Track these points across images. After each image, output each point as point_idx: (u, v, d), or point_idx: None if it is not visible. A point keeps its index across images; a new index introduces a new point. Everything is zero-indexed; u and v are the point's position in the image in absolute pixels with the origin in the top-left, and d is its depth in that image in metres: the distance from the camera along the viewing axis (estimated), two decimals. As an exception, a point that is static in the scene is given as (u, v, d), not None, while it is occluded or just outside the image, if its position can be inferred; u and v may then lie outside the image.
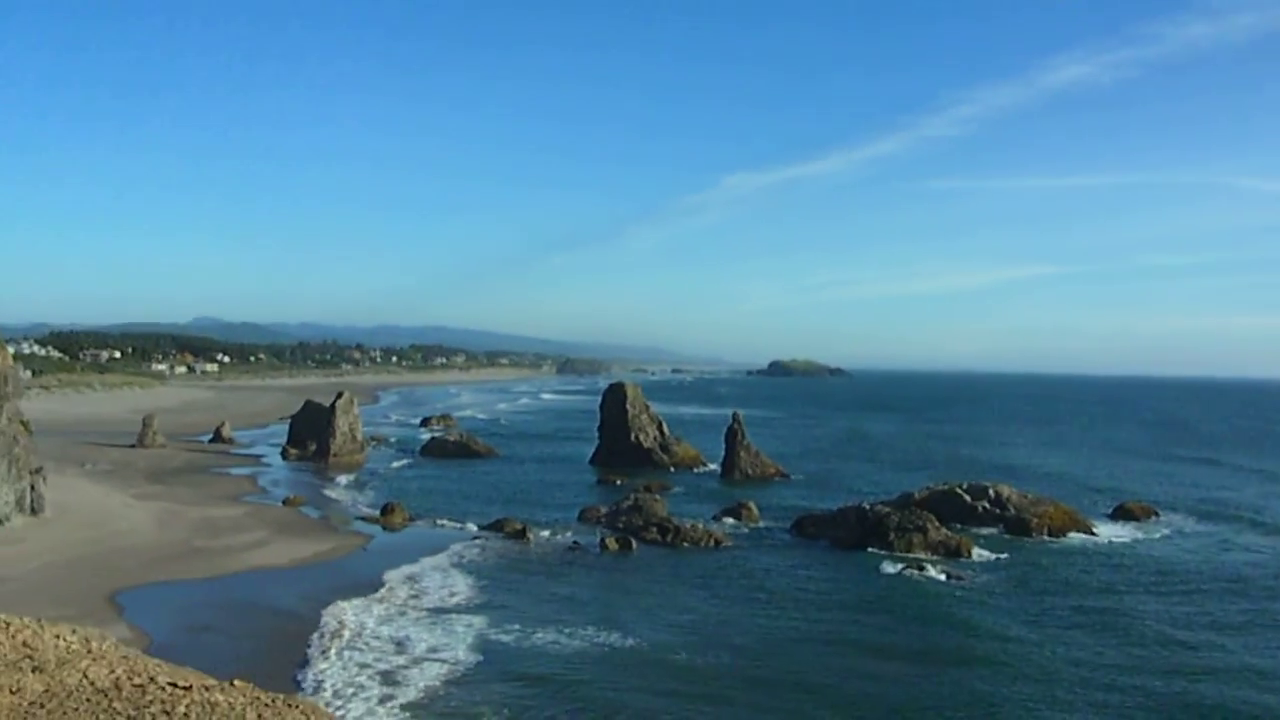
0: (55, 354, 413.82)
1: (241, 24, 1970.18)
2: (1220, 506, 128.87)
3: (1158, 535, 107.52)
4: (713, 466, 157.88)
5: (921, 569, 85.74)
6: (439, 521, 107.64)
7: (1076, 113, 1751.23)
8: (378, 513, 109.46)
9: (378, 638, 62.76)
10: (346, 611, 68.47)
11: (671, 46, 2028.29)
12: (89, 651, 18.23)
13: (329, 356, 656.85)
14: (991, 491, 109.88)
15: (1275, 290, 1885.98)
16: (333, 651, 59.64)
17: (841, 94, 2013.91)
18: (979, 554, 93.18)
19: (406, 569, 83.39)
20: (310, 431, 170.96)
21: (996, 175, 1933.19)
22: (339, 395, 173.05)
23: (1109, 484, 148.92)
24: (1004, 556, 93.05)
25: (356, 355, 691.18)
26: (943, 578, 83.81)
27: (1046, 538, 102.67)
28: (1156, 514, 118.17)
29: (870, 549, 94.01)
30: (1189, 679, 58.37)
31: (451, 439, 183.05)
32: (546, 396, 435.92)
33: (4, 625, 18.47)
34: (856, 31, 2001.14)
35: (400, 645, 61.31)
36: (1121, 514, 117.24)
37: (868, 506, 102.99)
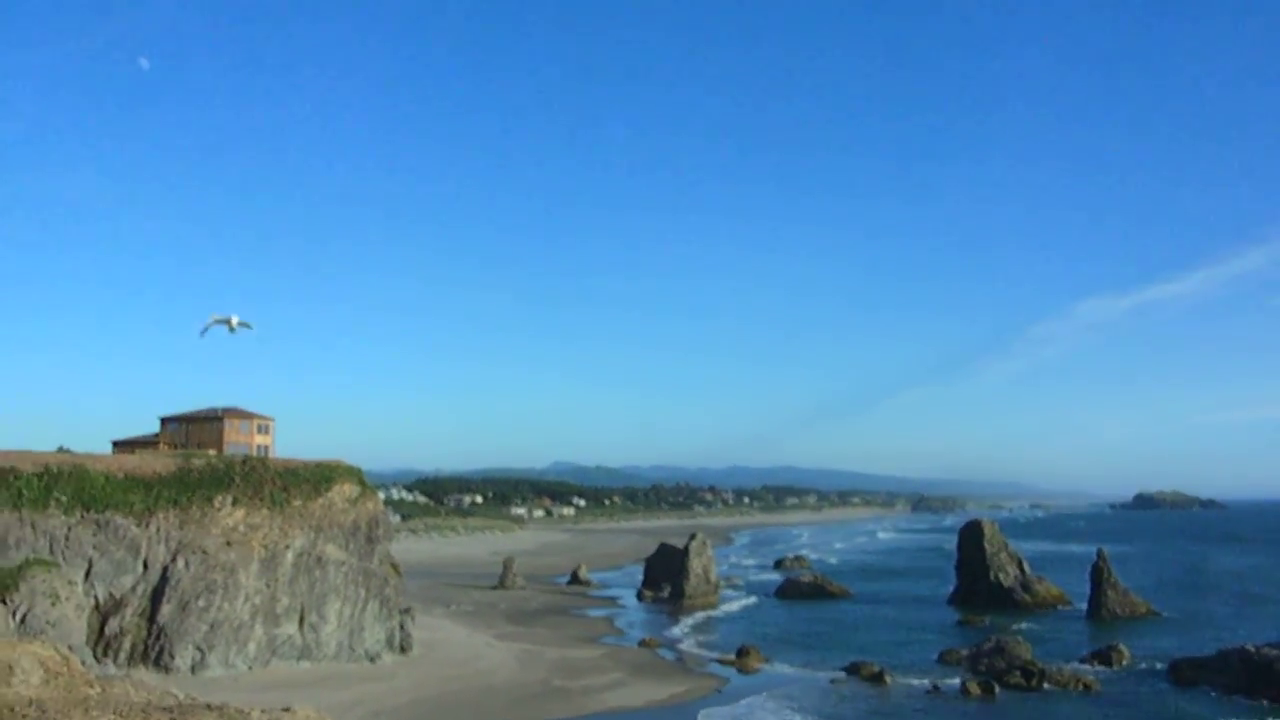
0: (422, 498, 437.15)
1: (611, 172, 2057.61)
2: None
3: None
4: (1078, 605, 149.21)
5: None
6: (794, 664, 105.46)
7: None
8: (732, 655, 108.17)
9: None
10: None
11: (1006, 194, 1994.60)
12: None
13: (682, 498, 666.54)
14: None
15: None
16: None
17: (1197, 208, 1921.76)
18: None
19: (762, 714, 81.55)
20: (664, 573, 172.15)
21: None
22: (692, 537, 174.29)
23: None
24: None
25: (709, 496, 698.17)
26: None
27: None
28: None
29: (1260, 696, 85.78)
30: None
31: (805, 580, 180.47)
32: (884, 535, 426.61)
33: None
34: (1207, 142, 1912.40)
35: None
36: None
37: (1253, 649, 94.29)
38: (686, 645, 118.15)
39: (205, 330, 47.60)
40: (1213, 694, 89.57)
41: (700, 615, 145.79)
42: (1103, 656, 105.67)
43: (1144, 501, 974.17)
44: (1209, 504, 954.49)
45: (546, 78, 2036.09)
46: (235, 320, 49.45)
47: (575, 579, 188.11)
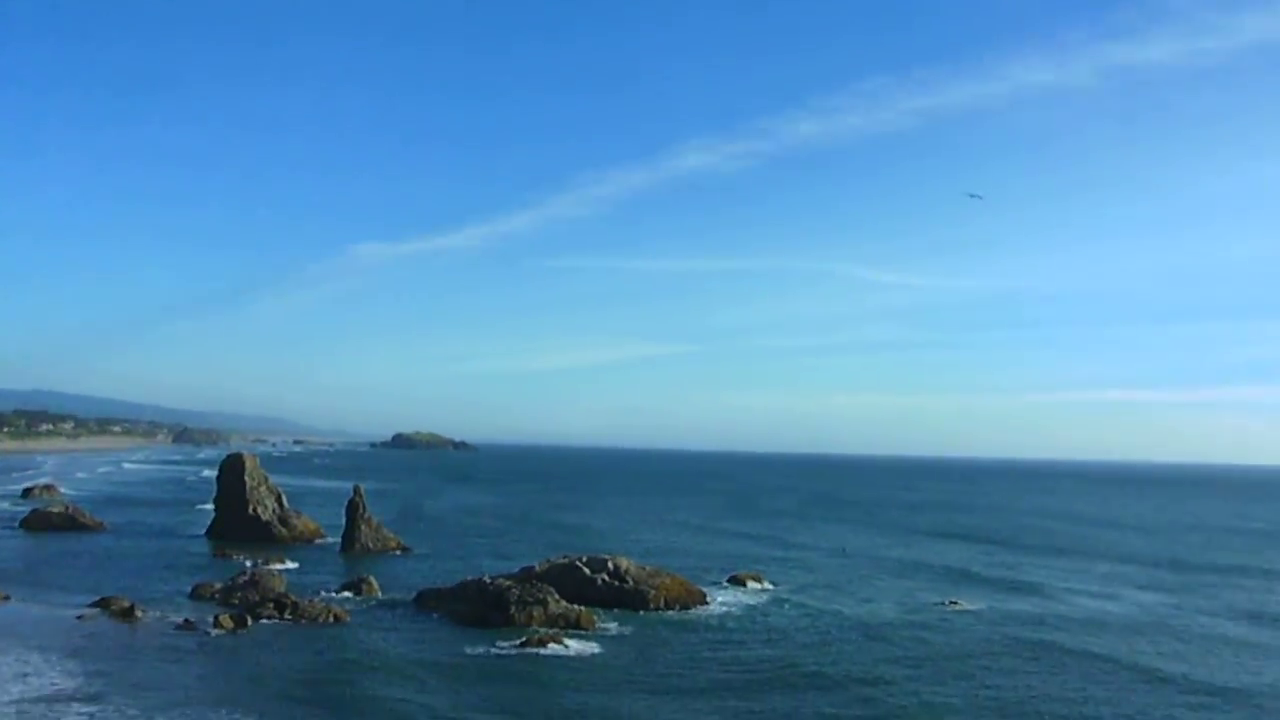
0: None
1: None
2: (816, 573, 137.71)
3: (763, 601, 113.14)
4: (333, 540, 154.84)
5: (543, 644, 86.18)
6: (38, 601, 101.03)
7: (703, 198, 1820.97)
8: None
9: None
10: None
11: (296, 118, 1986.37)
12: None
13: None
14: (611, 564, 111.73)
15: (876, 371, 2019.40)
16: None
17: (476, 168, 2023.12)
18: (601, 627, 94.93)
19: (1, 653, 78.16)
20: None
21: (623, 256, 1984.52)
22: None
23: (721, 554, 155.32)
24: (625, 629, 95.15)
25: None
26: (564, 652, 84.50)
27: (665, 609, 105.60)
28: (763, 581, 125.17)
29: (492, 623, 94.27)
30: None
31: (55, 511, 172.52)
32: (131, 466, 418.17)
33: None
34: (486, 106, 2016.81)
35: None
36: (733, 582, 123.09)
37: (488, 580, 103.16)
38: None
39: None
40: (452, 620, 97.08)
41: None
42: (354, 587, 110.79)
43: (402, 441, 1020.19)
44: (460, 445, 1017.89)
45: None
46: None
47: None
